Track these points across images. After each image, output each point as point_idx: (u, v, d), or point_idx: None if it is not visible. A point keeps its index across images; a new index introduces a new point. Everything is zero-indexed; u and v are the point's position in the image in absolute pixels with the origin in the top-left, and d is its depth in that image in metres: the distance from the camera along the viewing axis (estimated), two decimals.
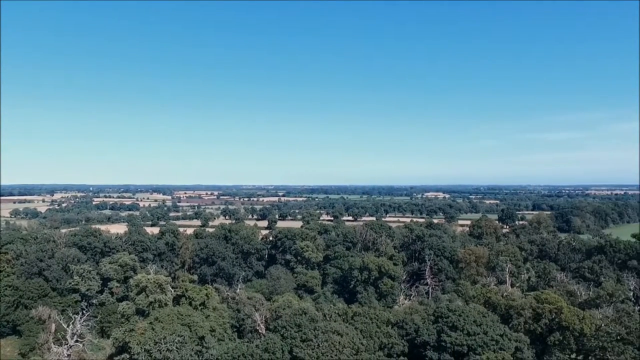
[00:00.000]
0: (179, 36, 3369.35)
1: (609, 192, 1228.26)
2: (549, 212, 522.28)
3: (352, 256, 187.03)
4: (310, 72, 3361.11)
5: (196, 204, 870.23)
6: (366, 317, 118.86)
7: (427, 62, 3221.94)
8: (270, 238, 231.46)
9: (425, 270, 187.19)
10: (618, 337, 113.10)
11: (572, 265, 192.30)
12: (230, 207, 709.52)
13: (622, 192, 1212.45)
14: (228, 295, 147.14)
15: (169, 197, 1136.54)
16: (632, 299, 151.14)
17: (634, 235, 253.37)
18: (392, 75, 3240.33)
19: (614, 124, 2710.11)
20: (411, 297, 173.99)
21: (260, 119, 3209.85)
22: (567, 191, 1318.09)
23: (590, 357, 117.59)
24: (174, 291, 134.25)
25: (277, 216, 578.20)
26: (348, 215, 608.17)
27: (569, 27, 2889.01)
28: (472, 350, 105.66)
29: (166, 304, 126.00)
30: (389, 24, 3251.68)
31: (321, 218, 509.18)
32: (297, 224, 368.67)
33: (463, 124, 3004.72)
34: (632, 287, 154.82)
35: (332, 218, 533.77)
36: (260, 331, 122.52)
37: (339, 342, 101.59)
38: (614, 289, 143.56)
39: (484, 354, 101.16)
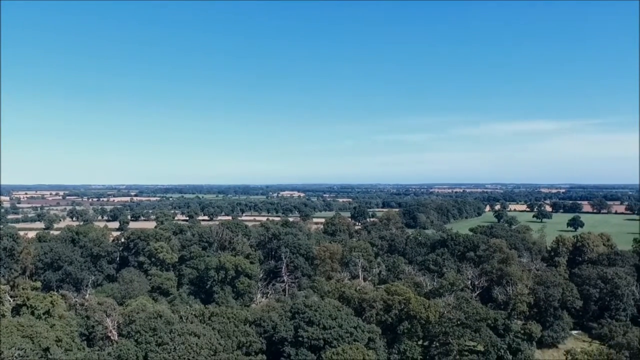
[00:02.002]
0: None
1: (450, 190, 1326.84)
2: (397, 210, 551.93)
3: (208, 256, 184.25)
4: (161, 66, 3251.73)
5: (39, 205, 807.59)
6: (224, 317, 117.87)
7: (284, 61, 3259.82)
8: (122, 240, 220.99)
9: (282, 267, 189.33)
10: (458, 322, 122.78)
11: (419, 259, 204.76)
12: (77, 208, 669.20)
13: (462, 190, 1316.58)
14: (76, 301, 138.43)
15: (7, 198, 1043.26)
16: (470, 287, 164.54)
17: (471, 229, 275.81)
18: (247, 74, 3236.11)
19: (455, 128, 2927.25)
20: (268, 295, 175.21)
21: (109, 113, 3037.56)
22: (414, 189, 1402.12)
23: (434, 342, 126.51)
24: (13, 300, 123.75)
25: (129, 217, 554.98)
26: (204, 215, 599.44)
27: (417, 32, 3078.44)
28: (328, 343, 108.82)
29: (3, 315, 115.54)
30: (245, 21, 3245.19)
31: (176, 218, 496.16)
32: (150, 225, 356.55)
33: (318, 124, 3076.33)
34: (470, 276, 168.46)
35: (187, 218, 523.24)
36: (112, 338, 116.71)
37: (196, 344, 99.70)
38: (455, 279, 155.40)
39: (339, 346, 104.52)
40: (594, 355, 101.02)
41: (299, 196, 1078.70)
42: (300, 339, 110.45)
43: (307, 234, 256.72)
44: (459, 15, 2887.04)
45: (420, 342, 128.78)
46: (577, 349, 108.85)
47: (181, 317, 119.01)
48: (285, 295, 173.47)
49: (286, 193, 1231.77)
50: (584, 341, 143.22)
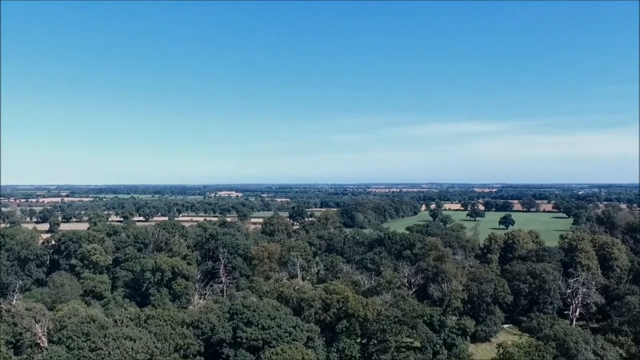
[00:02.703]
0: None
1: (387, 190, 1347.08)
2: (335, 209, 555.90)
3: (144, 257, 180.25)
4: (90, 59, 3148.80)
5: None
6: (160, 320, 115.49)
7: (222, 58, 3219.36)
8: (53, 242, 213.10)
9: (220, 268, 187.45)
10: (395, 320, 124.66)
11: (357, 257, 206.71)
12: (3, 209, 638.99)
13: (398, 190, 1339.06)
14: (2, 307, 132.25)
15: None
16: (407, 284, 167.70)
17: (407, 228, 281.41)
18: (184, 72, 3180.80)
19: (392, 128, 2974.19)
20: (206, 296, 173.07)
21: (34, 106, 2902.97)
22: (351, 189, 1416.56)
23: (373, 340, 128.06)
24: None
25: (60, 218, 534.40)
26: (139, 216, 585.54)
27: (351, 31, 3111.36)
28: (267, 343, 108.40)
29: None
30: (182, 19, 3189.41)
31: (110, 219, 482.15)
32: (83, 226, 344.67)
33: (256, 124, 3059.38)
34: (406, 274, 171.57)
35: (121, 219, 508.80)
36: (42, 345, 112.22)
37: (132, 348, 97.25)
38: (392, 277, 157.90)
39: (278, 346, 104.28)
40: (523, 347, 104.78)
41: (237, 196, 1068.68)
42: (239, 339, 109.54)
43: (245, 234, 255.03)
44: (390, 15, 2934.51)
45: (358, 340, 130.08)
46: (508, 342, 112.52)
47: (116, 321, 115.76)
48: (223, 296, 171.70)
49: (224, 193, 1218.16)
50: (514, 334, 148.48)
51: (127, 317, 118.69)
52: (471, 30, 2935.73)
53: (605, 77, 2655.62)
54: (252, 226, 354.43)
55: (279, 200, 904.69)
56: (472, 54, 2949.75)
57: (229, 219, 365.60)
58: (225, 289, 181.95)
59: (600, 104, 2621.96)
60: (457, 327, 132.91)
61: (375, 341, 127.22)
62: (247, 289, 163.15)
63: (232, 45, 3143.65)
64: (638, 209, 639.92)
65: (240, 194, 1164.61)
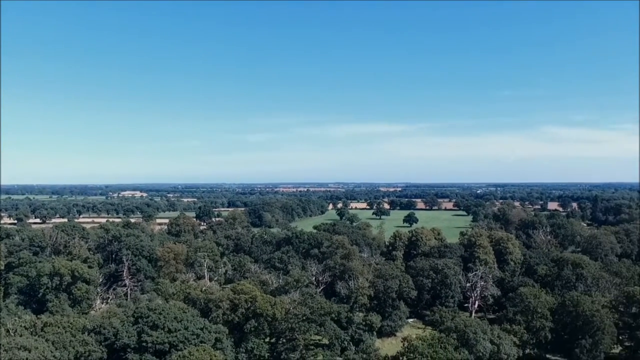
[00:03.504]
0: None
1: (295, 190, 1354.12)
2: (243, 209, 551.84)
3: (40, 262, 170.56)
4: None
5: None
6: (59, 327, 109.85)
7: (124, 50, 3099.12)
8: None
9: (124, 271, 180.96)
10: (304, 318, 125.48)
11: (265, 257, 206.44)
12: None
13: (306, 189, 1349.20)
14: None
15: None
16: (315, 282, 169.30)
17: (315, 227, 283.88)
18: (83, 62, 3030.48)
19: (302, 128, 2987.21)
20: (109, 301, 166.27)
21: None
22: (259, 189, 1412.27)
23: (281, 339, 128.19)
24: None
25: None
26: (35, 217, 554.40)
27: (257, 34, 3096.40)
28: (173, 347, 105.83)
29: None
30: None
31: (2, 221, 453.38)
32: None
33: (163, 122, 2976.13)
34: (314, 272, 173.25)
35: (15, 221, 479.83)
36: None
37: (27, 359, 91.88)
38: (300, 276, 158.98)
39: (185, 349, 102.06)
40: (427, 340, 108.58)
41: (142, 196, 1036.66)
42: (144, 344, 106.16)
43: (150, 235, 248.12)
44: (295, 17, 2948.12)
45: (267, 340, 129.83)
46: (412, 335, 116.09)
47: (8, 331, 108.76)
48: (127, 299, 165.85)
49: (127, 193, 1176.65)
50: (418, 328, 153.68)
51: (21, 325, 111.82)
52: (377, 31, 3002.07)
53: (505, 81, 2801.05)
54: (158, 227, 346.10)
55: (185, 200, 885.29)
56: (381, 56, 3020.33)
57: (133, 220, 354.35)
58: (129, 292, 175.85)
59: (499, 107, 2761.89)
60: (364, 323, 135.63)
61: (284, 340, 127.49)
62: (153, 292, 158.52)
63: (137, 38, 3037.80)
64: (530, 206, 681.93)
65: (145, 194, 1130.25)
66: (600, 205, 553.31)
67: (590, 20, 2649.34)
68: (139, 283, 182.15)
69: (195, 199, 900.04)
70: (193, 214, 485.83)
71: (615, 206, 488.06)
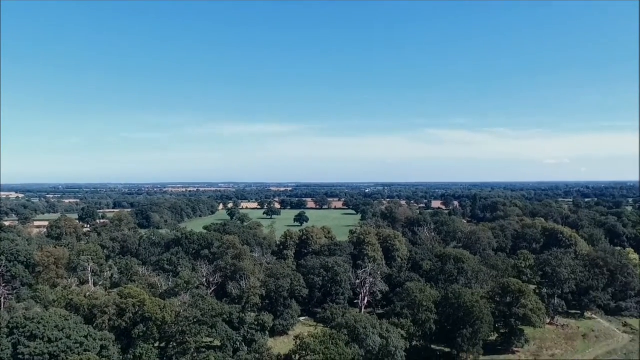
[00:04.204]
0: None
1: (184, 190, 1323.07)
2: (130, 210, 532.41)
3: None
4: None
5: None
6: None
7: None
8: None
9: None
10: (195, 320, 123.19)
11: (153, 259, 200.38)
12: None
13: (196, 189, 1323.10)
14: None
15: None
16: (206, 284, 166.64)
17: (205, 227, 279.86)
18: None
19: (189, 127, 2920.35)
20: None
21: None
22: (147, 189, 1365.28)
23: (172, 342, 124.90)
24: None
25: None
26: None
27: (141, 32, 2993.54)
28: (54, 357, 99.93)
29: None
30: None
31: None
32: None
33: (41, 118, 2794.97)
34: (205, 273, 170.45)
35: None
36: None
37: None
38: (190, 277, 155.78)
39: (68, 359, 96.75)
40: (319, 337, 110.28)
41: (18, 197, 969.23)
42: (20, 356, 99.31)
43: (28, 239, 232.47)
44: (184, 12, 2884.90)
45: (157, 344, 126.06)
46: (305, 333, 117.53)
47: None
48: (1, 309, 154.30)
49: (2, 194, 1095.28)
50: (310, 326, 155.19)
51: None
52: (263, 29, 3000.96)
53: (391, 83, 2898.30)
54: (36, 230, 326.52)
55: (67, 201, 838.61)
56: (271, 55, 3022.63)
57: (7, 223, 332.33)
58: (3, 301, 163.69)
59: (386, 109, 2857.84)
60: (256, 323, 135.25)
61: (175, 344, 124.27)
62: (30, 299, 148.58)
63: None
64: (415, 205, 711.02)
65: (21, 195, 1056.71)
66: (479, 203, 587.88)
67: (474, 26, 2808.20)
68: (15, 291, 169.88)
69: (78, 200, 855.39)
70: (76, 216, 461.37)
71: (492, 204, 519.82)
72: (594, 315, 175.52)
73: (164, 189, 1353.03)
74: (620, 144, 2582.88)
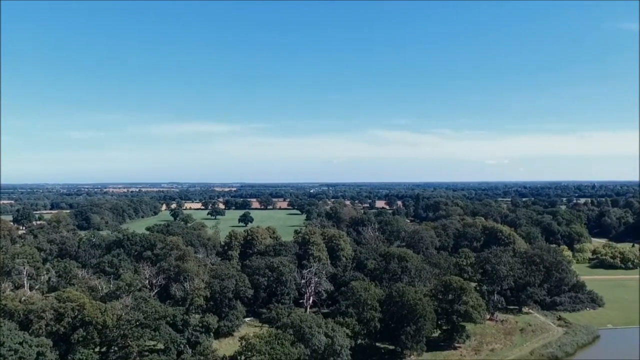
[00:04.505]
0: None
1: (125, 190, 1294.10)
2: (68, 211, 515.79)
3: None
4: None
5: None
6: None
7: None
8: None
9: None
10: (137, 323, 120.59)
11: (93, 261, 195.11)
12: None
13: (138, 190, 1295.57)
14: None
15: None
16: (148, 286, 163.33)
17: (148, 228, 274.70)
18: None
19: (130, 126, 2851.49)
20: None
21: None
22: (87, 189, 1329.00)
23: (113, 347, 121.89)
24: None
25: None
26: None
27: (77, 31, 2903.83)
28: None
29: None
30: None
31: None
32: None
33: None
34: (147, 275, 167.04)
35: None
36: None
37: None
38: (132, 279, 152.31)
39: None
40: (264, 337, 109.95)
41: None
42: None
43: None
44: (116, 10, 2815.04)
45: (97, 349, 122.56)
46: (250, 334, 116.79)
47: None
48: None
49: None
50: (255, 326, 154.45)
51: None
52: (204, 27, 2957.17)
53: (334, 84, 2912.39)
54: None
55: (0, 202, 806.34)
56: (215, 54, 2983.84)
57: None
58: None
59: (329, 109, 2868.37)
60: (200, 324, 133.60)
61: (116, 348, 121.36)
62: None
63: None
64: (360, 205, 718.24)
65: None
66: (422, 203, 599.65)
67: (414, 29, 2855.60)
68: None
69: (13, 201, 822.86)
70: (10, 218, 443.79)
71: (434, 204, 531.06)
72: (530, 310, 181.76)
73: (105, 189, 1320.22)
74: (555, 145, 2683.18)
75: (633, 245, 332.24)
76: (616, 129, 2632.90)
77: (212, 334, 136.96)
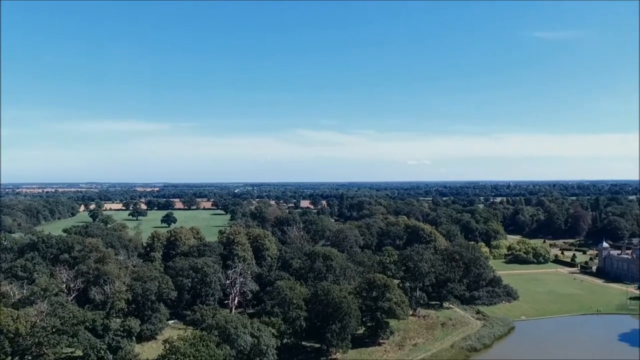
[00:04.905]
0: None
1: (40, 190, 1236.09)
2: None
3: None
4: None
5: None
6: None
7: None
8: None
9: None
10: (54, 330, 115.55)
11: (5, 266, 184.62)
12: None
13: (54, 190, 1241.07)
14: None
15: None
16: (66, 290, 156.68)
17: (65, 230, 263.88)
18: None
19: (45, 123, 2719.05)
20: None
21: None
22: None
23: (27, 355, 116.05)
24: None
25: None
26: None
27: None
28: None
29: None
30: None
31: None
32: None
33: None
34: (65, 279, 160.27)
35: None
36: None
37: None
38: (48, 284, 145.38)
39: None
40: (189, 339, 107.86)
41: None
42: None
43: None
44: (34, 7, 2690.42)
45: (9, 359, 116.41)
46: (174, 337, 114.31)
47: None
48: None
49: None
50: (179, 329, 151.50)
51: None
52: (116, 24, 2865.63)
53: (261, 84, 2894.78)
54: None
55: None
56: (132, 52, 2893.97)
57: None
58: None
59: (255, 109, 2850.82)
60: (122, 329, 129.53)
61: (30, 357, 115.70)
62: None
63: None
64: (284, 204, 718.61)
65: None
66: (346, 202, 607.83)
67: (336, 34, 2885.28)
68: None
69: None
70: None
71: (358, 203, 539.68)
72: (451, 305, 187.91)
73: (17, 190, 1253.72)
74: (473, 147, 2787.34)
75: (544, 241, 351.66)
76: (528, 132, 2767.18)
77: (134, 338, 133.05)
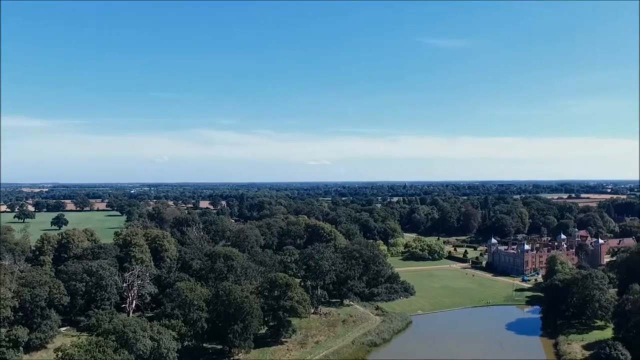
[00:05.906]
0: None
1: None
2: None
3: None
4: None
5: None
6: None
7: None
8: None
9: None
10: None
11: None
12: None
13: None
14: None
15: None
16: None
17: None
18: None
19: None
20: None
21: None
22: None
23: None
24: None
25: None
26: None
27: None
28: None
29: None
30: None
31: None
32: None
33: None
34: None
35: None
36: None
37: None
38: None
39: None
40: (84, 346, 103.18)
41: None
42: None
43: None
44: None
45: None
46: (67, 344, 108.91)
47: None
48: None
49: None
50: (73, 336, 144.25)
51: None
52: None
53: (155, 83, 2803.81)
54: None
55: None
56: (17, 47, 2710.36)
57: None
58: None
59: (150, 108, 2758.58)
60: (7, 339, 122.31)
61: None
62: None
63: None
64: (183, 205, 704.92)
65: None
66: (246, 202, 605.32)
67: (246, 34, 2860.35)
68: None
69: None
70: None
71: (259, 203, 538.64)
72: (351, 302, 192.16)
73: None
74: (370, 148, 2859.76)
75: (438, 239, 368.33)
76: (422, 134, 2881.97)
77: (21, 348, 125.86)
